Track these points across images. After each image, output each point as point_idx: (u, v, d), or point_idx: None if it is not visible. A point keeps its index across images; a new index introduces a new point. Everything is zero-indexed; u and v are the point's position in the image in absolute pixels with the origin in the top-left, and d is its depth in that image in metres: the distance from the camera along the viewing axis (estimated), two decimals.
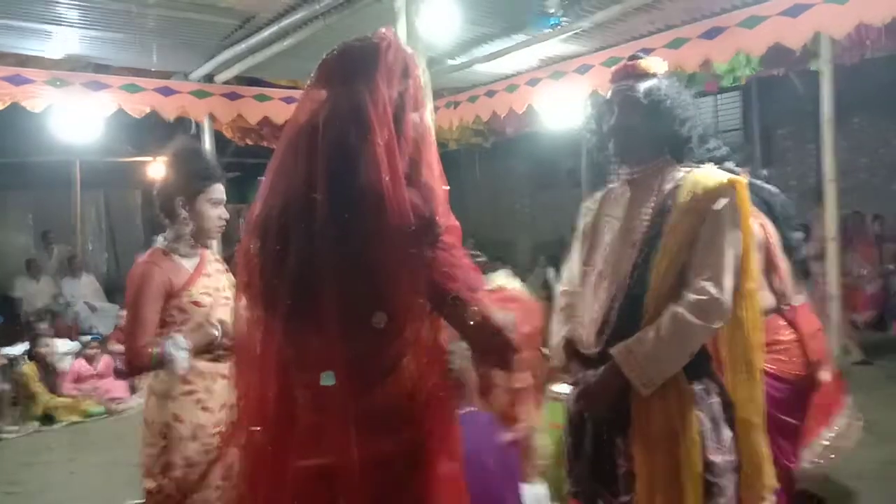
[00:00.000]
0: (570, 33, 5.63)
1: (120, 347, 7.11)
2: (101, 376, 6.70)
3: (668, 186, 1.90)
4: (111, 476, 4.61)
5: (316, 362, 1.29)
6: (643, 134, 1.92)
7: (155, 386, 2.32)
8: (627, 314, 1.84)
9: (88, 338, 7.25)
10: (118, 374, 6.84)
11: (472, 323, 1.30)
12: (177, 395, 2.28)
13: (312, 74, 1.38)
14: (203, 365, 2.33)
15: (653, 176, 1.94)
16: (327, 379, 1.27)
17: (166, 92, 6.21)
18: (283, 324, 1.31)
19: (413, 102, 1.34)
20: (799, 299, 2.61)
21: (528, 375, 2.00)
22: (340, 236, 1.25)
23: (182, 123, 6.72)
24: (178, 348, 2.20)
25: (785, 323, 2.56)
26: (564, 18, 5.23)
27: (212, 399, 2.32)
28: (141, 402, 2.63)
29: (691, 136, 1.92)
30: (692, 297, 1.77)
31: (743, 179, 1.89)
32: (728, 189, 1.83)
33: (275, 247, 1.31)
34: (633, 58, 2.01)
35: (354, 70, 1.32)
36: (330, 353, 1.26)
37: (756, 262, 1.94)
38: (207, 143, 6.49)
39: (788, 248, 2.64)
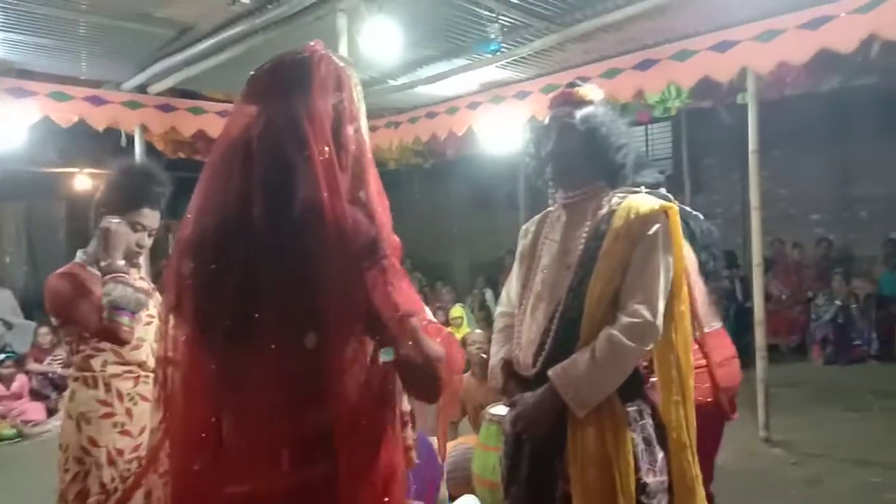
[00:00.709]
0: (509, 59, 5.73)
1: (37, 367, 6.78)
2: (16, 397, 6.34)
3: (603, 211, 1.95)
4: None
5: (249, 384, 1.24)
6: (579, 160, 1.96)
7: (71, 408, 2.22)
8: (564, 336, 1.86)
9: (2, 356, 6.86)
10: (34, 394, 6.50)
11: (401, 351, 1.25)
12: (94, 417, 2.18)
13: (243, 89, 1.35)
14: (123, 386, 2.24)
15: (588, 200, 1.98)
16: (261, 401, 1.22)
17: (97, 101, 5.99)
18: (216, 345, 1.26)
19: (349, 115, 1.31)
20: (713, 325, 2.64)
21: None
22: (278, 255, 1.21)
23: (112, 134, 6.49)
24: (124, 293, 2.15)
25: (696, 348, 2.60)
26: (504, 45, 5.32)
27: (132, 423, 2.23)
28: (58, 425, 2.52)
29: (625, 162, 1.97)
30: (626, 319, 1.81)
31: (674, 206, 1.96)
32: (660, 215, 1.88)
33: (209, 267, 1.26)
34: (571, 85, 2.05)
35: (288, 84, 1.29)
36: (265, 375, 1.22)
37: (686, 286, 1.99)
38: (138, 155, 6.28)
39: (705, 273, 2.70)
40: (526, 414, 1.87)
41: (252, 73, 1.35)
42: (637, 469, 1.79)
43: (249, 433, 1.24)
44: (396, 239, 1.31)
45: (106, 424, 2.19)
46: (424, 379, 1.30)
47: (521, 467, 1.92)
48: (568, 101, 2.02)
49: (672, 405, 1.91)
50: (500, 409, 2.23)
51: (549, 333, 1.89)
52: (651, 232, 1.85)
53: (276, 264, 1.21)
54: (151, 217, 2.35)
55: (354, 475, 1.24)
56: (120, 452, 2.19)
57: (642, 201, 1.92)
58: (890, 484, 3.98)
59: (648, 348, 1.87)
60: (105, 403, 2.20)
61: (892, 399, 5.76)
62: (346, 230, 1.20)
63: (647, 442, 1.84)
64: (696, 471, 1.91)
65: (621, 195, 1.97)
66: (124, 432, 2.21)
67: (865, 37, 4.26)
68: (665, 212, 1.90)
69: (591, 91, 2.03)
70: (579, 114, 1.96)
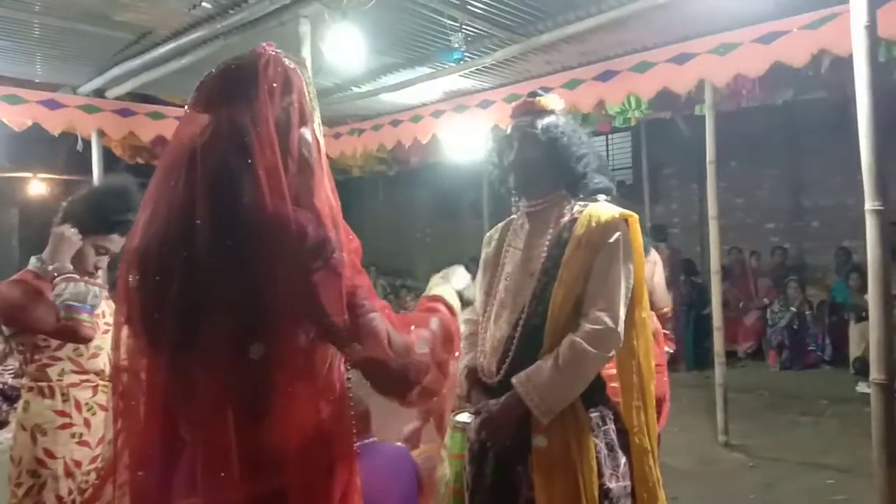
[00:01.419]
0: (472, 69, 5.77)
1: None
2: None
3: (565, 219, 1.97)
4: None
5: (199, 395, 1.21)
6: (541, 169, 1.98)
7: (25, 420, 2.15)
8: (527, 343, 1.88)
9: None
10: None
11: (361, 352, 1.23)
12: (50, 428, 2.13)
13: (192, 96, 1.32)
14: (82, 395, 2.19)
15: (551, 209, 2.00)
16: (212, 412, 1.19)
17: (52, 105, 5.85)
18: (165, 356, 1.23)
19: (298, 118, 1.28)
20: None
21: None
22: (224, 264, 1.18)
23: (67, 139, 6.34)
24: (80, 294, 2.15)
25: None
26: (468, 54, 5.36)
27: (90, 433, 2.18)
28: (9, 438, 2.44)
29: (586, 171, 1.99)
30: (588, 326, 1.83)
31: (635, 214, 1.99)
32: (620, 223, 1.91)
33: (155, 278, 1.23)
34: (533, 94, 2.07)
35: (233, 90, 1.26)
36: (213, 386, 1.19)
37: (646, 293, 2.03)
38: (95, 161, 6.15)
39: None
40: (490, 421, 1.88)
41: (201, 79, 1.33)
42: (600, 475, 1.81)
43: (202, 444, 1.22)
44: (357, 240, 1.28)
45: (63, 435, 2.13)
46: (390, 376, 1.28)
47: (486, 474, 1.92)
48: (529, 110, 2.04)
49: (633, 410, 1.93)
50: (465, 416, 2.22)
51: (513, 341, 1.91)
52: (612, 240, 1.88)
53: (218, 274, 1.18)
54: (118, 243, 2.34)
55: (307, 488, 1.23)
56: (78, 464, 2.13)
57: (603, 210, 1.95)
58: (842, 485, 4.09)
59: (611, 355, 1.89)
60: (62, 414, 2.15)
61: (845, 403, 5.92)
62: (289, 235, 1.17)
63: (609, 447, 1.86)
64: (658, 475, 1.93)
65: (583, 204, 2.00)
66: (82, 443, 2.16)
67: (816, 52, 4.42)
68: (625, 220, 1.93)
69: (553, 101, 2.05)
70: (541, 123, 1.98)
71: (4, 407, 6.44)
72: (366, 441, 2.12)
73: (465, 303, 1.57)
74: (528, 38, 5.17)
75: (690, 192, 9.72)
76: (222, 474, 1.17)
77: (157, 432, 1.27)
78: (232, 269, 1.18)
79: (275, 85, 1.26)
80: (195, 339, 1.19)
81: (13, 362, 6.71)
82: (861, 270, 7.64)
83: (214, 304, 1.18)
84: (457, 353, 1.48)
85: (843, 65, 4.10)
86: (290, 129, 1.26)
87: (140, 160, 7.25)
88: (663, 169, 9.92)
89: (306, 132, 1.29)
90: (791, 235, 9.09)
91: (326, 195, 1.26)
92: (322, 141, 1.36)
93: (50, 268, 2.17)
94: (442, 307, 1.48)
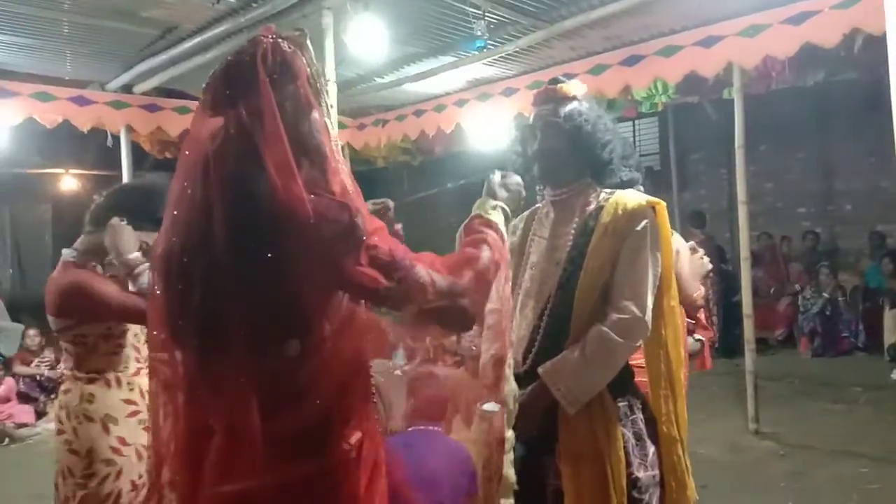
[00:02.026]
0: (495, 56, 5.73)
1: (24, 369, 6.72)
2: (2, 400, 6.28)
3: (591, 207, 1.95)
4: None
5: (228, 389, 1.24)
6: (565, 157, 1.96)
7: (93, 411, 2.16)
8: (553, 333, 1.87)
9: None
10: (22, 397, 6.45)
11: (411, 305, 1.29)
12: (121, 417, 2.16)
13: (200, 98, 1.32)
14: (143, 382, 2.22)
15: (576, 197, 1.98)
16: (238, 404, 1.22)
17: (81, 102, 5.94)
18: (193, 356, 1.27)
19: (304, 104, 1.26)
20: None
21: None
22: (245, 266, 1.20)
23: (97, 135, 6.44)
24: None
25: None
26: (491, 42, 5.32)
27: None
28: (48, 428, 2.49)
29: (612, 158, 1.96)
30: (615, 316, 1.81)
31: (662, 202, 1.96)
32: (648, 211, 1.89)
33: (176, 283, 1.26)
34: (554, 81, 2.04)
35: (236, 90, 1.25)
36: (241, 382, 1.21)
37: (675, 281, 2.00)
38: (124, 156, 6.24)
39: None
40: (518, 415, 1.87)
41: (205, 81, 1.32)
42: (629, 464, 1.80)
43: (229, 433, 1.25)
44: (378, 221, 1.30)
45: (133, 423, 2.18)
46: (453, 317, 1.37)
47: (513, 464, 1.92)
48: (551, 98, 2.01)
49: (661, 399, 1.92)
50: (493, 406, 2.22)
51: (539, 330, 1.90)
52: (639, 228, 1.85)
53: (240, 276, 1.20)
54: (152, 239, 2.36)
55: (337, 471, 1.25)
56: (146, 448, 2.17)
57: (630, 197, 1.92)
58: (876, 474, 4.02)
59: (637, 344, 1.87)
60: (129, 402, 2.19)
61: (879, 391, 5.82)
62: (310, 228, 1.17)
63: (637, 437, 1.86)
64: (687, 463, 1.92)
65: (609, 191, 1.97)
66: (146, 428, 2.23)
67: (848, 31, 4.31)
68: (653, 207, 1.90)
69: (575, 87, 2.01)
70: (563, 111, 1.95)
71: (42, 398, 6.62)
72: (431, 427, 2.19)
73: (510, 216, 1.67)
74: (551, 24, 5.12)
75: (719, 178, 9.58)
76: (256, 462, 1.19)
77: (188, 422, 1.30)
78: (254, 271, 1.19)
79: (275, 76, 1.24)
80: (219, 339, 1.21)
81: (49, 354, 6.89)
82: (895, 254, 7.50)
83: (237, 306, 1.19)
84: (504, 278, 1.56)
85: (876, 44, 3.99)
86: (298, 119, 1.25)
87: (168, 155, 7.31)
88: (691, 154, 9.79)
89: (315, 116, 1.28)
90: (823, 219, 8.93)
91: (341, 178, 1.26)
92: (332, 122, 1.35)
93: (131, 256, 2.15)
94: (491, 233, 1.52)
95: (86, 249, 2.24)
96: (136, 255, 2.15)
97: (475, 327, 1.57)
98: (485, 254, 1.45)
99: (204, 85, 1.31)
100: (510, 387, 1.68)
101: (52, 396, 6.58)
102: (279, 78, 1.25)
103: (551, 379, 1.81)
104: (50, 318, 2.24)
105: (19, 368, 6.72)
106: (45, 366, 6.82)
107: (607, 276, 1.85)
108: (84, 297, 2.14)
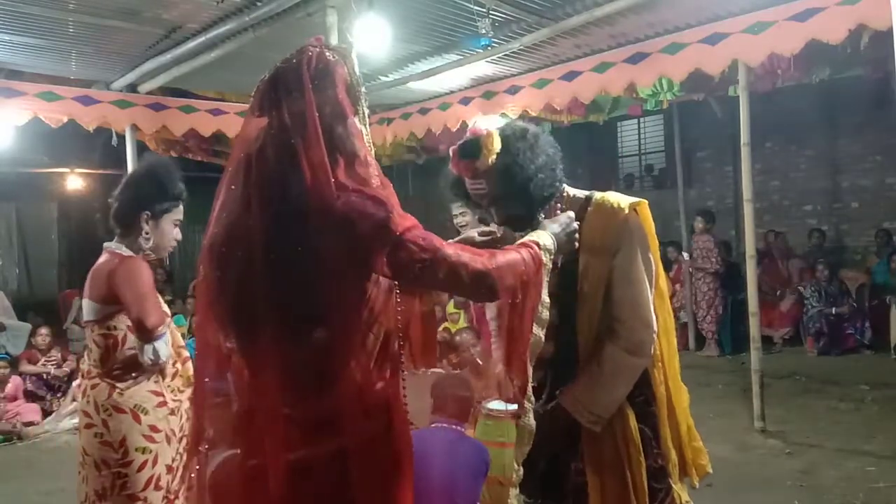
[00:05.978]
0: (500, 54, 5.72)
1: (31, 368, 6.74)
2: (9, 399, 6.30)
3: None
4: None
5: (262, 371, 1.33)
6: (513, 207, 1.86)
7: (124, 402, 2.27)
8: (563, 360, 1.89)
9: None
10: (29, 396, 6.47)
11: (442, 276, 1.35)
12: (150, 407, 2.29)
13: (251, 101, 1.43)
14: (169, 371, 2.36)
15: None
16: (273, 386, 1.32)
17: (86, 101, 5.96)
18: (230, 340, 1.38)
19: (342, 110, 1.37)
20: None
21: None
22: (280, 261, 1.29)
23: (102, 134, 6.46)
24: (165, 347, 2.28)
25: None
26: (495, 40, 5.31)
27: (178, 407, 2.37)
28: (56, 427, 2.55)
29: (551, 190, 1.86)
30: (625, 335, 1.83)
31: (644, 200, 1.94)
32: (630, 216, 1.87)
33: (216, 272, 1.37)
34: (465, 152, 1.81)
35: (281, 94, 1.36)
36: (274, 365, 1.31)
37: (663, 273, 2.03)
38: (130, 155, 6.25)
39: None
40: (541, 435, 1.78)
41: (257, 84, 1.43)
42: (647, 455, 1.86)
43: (265, 412, 1.33)
44: (409, 216, 1.37)
45: (162, 412, 2.31)
46: (483, 290, 1.43)
47: (539, 464, 1.89)
48: (475, 173, 1.83)
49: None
50: (497, 404, 2.24)
51: (548, 361, 1.87)
52: (627, 238, 1.84)
53: (276, 270, 1.29)
54: (182, 211, 2.48)
55: (366, 447, 1.33)
56: (174, 433, 2.33)
57: (608, 208, 1.87)
58: (883, 472, 4.01)
59: (651, 356, 1.90)
60: (157, 393, 2.32)
61: (885, 389, 5.79)
62: (342, 225, 1.27)
63: (653, 429, 1.91)
64: (667, 382, 1.99)
65: (585, 197, 1.94)
66: (173, 413, 2.34)
67: (853, 27, 4.28)
68: (635, 209, 1.90)
69: (488, 143, 1.78)
70: (485, 181, 1.82)
71: (49, 396, 6.64)
72: (455, 426, 2.32)
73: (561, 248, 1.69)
74: (556, 21, 5.11)
75: (725, 175, 9.55)
76: (284, 438, 1.29)
77: (227, 402, 1.40)
78: (289, 265, 1.29)
79: (317, 82, 1.35)
80: (253, 327, 1.32)
81: (55, 353, 6.92)
82: None
83: (269, 296, 1.30)
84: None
85: (883, 40, 3.97)
86: (336, 123, 1.36)
87: (173, 153, 7.35)
88: (697, 152, 9.76)
89: (351, 120, 1.39)
90: (829, 217, 8.89)
91: (375, 177, 1.37)
92: (366, 128, 1.45)
93: (171, 245, 2.44)
94: (533, 245, 1.58)
95: (139, 244, 2.38)
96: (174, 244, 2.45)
97: (475, 339, 1.67)
98: (523, 254, 1.52)
99: (254, 90, 1.42)
100: (529, 422, 1.71)
101: (59, 395, 6.61)
102: (320, 84, 1.36)
103: (574, 408, 1.83)
104: (90, 306, 2.34)
105: (26, 367, 6.74)
106: (52, 364, 6.84)
107: (604, 289, 1.84)
108: (142, 287, 2.27)
